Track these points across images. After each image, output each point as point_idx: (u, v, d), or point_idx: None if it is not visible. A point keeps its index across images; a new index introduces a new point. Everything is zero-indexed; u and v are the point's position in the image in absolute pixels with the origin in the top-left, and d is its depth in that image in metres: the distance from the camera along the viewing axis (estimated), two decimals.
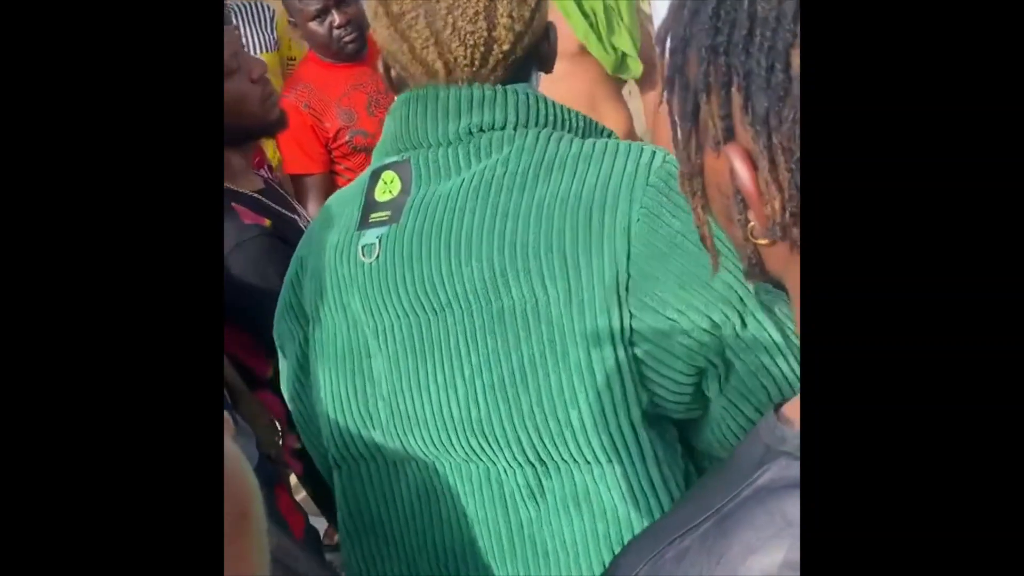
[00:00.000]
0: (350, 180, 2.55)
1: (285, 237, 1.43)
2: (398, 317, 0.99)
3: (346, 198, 1.10)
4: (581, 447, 0.92)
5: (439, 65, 0.97)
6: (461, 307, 0.94)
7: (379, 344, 1.01)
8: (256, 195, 1.53)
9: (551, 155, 0.94)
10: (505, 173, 0.94)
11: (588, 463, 0.93)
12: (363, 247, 1.01)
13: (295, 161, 2.59)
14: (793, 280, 0.56)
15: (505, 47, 0.97)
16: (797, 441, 0.53)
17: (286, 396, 1.18)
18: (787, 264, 0.56)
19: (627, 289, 0.87)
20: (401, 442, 1.02)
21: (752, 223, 0.54)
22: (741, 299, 0.87)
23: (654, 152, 0.93)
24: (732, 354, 0.88)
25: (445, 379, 0.96)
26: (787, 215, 0.52)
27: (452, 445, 0.98)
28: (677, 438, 0.97)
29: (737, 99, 0.52)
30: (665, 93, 0.58)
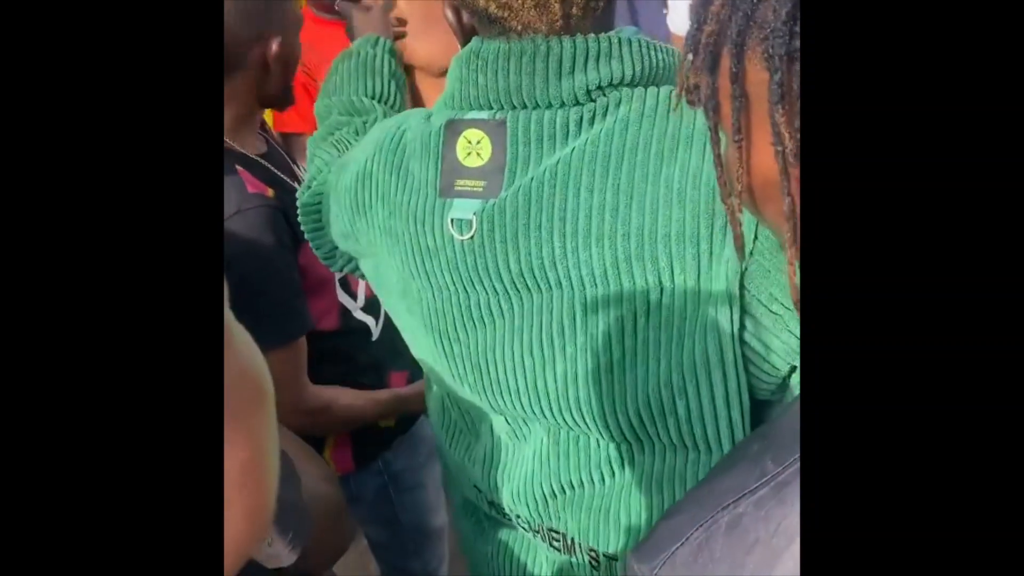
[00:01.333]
0: None
1: (287, 211, 1.41)
2: (495, 293, 0.93)
3: (408, 148, 0.99)
4: (683, 435, 0.88)
5: (557, 7, 0.87)
6: (572, 288, 0.88)
7: (470, 314, 0.96)
8: (262, 160, 1.50)
9: (675, 127, 0.84)
10: (626, 144, 0.85)
11: (686, 448, 0.90)
12: (454, 221, 0.93)
13: (288, 120, 2.56)
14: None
15: None
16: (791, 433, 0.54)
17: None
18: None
19: (742, 282, 0.82)
20: (490, 403, 1.00)
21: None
22: None
23: None
24: None
25: (544, 355, 0.92)
26: None
27: (543, 414, 0.95)
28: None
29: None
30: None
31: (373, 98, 1.21)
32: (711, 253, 0.82)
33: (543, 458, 0.99)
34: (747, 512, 0.54)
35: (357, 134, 1.16)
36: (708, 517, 0.55)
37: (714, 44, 0.55)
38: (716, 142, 0.59)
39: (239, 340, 0.47)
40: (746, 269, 0.81)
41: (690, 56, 0.58)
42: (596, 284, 0.86)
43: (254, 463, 0.47)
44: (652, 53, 0.89)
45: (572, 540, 1.01)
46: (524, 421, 1.00)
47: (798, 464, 0.53)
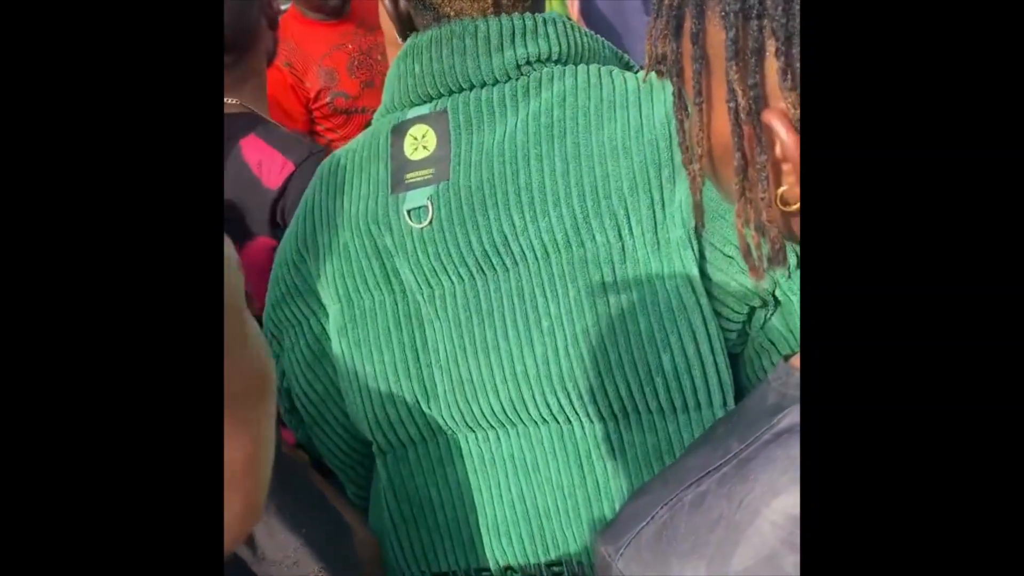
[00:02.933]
0: (332, 141, 2.51)
1: None
2: (460, 279, 0.93)
3: (356, 161, 1.00)
4: (671, 393, 0.87)
5: None
6: (537, 259, 0.89)
7: (436, 311, 0.94)
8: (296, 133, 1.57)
9: (610, 92, 0.89)
10: (566, 113, 0.88)
11: (675, 411, 0.89)
12: (409, 211, 0.93)
13: (273, 117, 2.54)
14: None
15: None
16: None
17: (288, 392, 1.09)
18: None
19: (696, 225, 0.84)
20: (463, 413, 0.95)
21: (784, 189, 0.54)
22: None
23: None
24: (781, 292, 0.86)
25: (519, 336, 0.90)
26: None
27: (525, 407, 0.92)
28: None
29: (772, 64, 0.51)
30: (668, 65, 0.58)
31: None
32: (663, 201, 0.85)
33: (527, 470, 0.96)
34: (710, 490, 0.54)
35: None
36: (672, 496, 0.55)
37: (677, 7, 0.56)
38: (681, 108, 0.60)
39: (253, 338, 0.47)
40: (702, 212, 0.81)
41: (655, 22, 0.58)
42: (559, 250, 0.88)
43: (257, 455, 0.48)
44: (576, 33, 0.93)
45: (579, 564, 0.96)
46: (498, 436, 0.96)
47: (761, 440, 0.54)
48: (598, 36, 0.97)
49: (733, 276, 0.85)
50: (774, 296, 0.86)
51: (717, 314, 0.86)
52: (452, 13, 0.94)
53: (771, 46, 0.51)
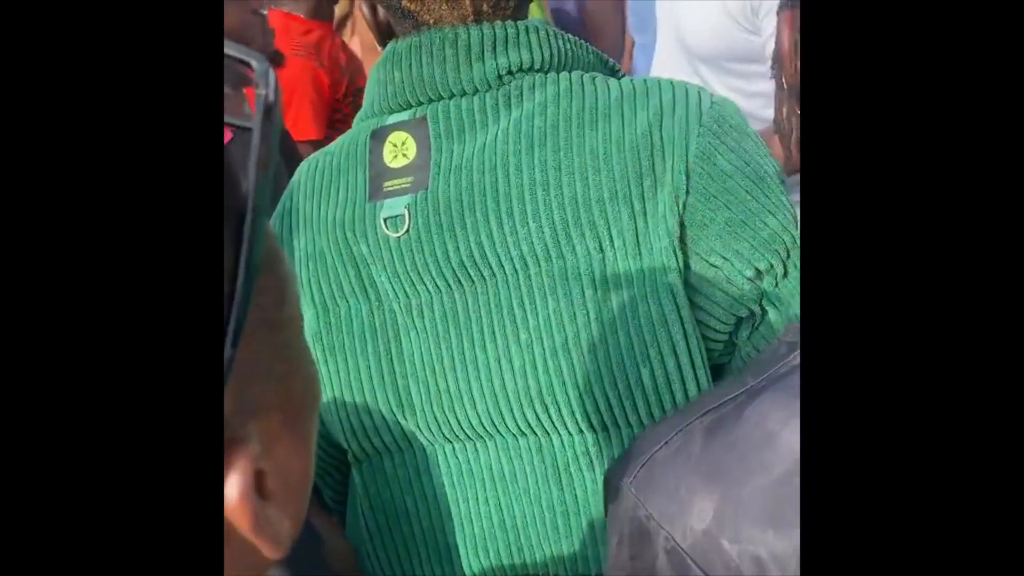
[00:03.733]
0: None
1: None
2: (438, 290, 0.91)
3: (334, 165, 0.98)
4: (651, 407, 0.87)
5: (468, 2, 0.90)
6: (516, 270, 0.88)
7: (412, 321, 0.93)
8: None
9: (592, 100, 0.88)
10: (547, 122, 0.87)
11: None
12: (386, 220, 0.92)
13: (304, 126, 2.53)
14: None
15: None
16: None
17: None
18: None
19: (681, 238, 0.84)
20: (439, 424, 0.94)
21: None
22: (787, 247, 0.85)
23: (699, 91, 0.89)
24: (768, 302, 0.86)
25: (497, 349, 0.89)
26: None
27: (503, 419, 0.91)
28: None
29: None
30: None
31: None
32: (645, 212, 0.84)
33: (505, 482, 0.94)
34: (726, 416, 0.54)
35: None
36: (687, 423, 0.56)
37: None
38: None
39: (303, 348, 0.46)
40: (682, 223, 0.83)
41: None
42: (539, 261, 0.87)
43: (312, 468, 0.47)
44: (558, 41, 0.91)
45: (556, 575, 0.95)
46: (476, 448, 0.95)
47: (778, 373, 0.54)
48: (583, 42, 0.95)
49: (719, 286, 0.85)
50: (761, 305, 0.86)
51: (703, 324, 0.86)
52: (432, 21, 0.92)
53: None
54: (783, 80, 0.57)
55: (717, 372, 0.89)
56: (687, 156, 0.85)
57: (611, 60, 0.99)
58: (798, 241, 0.84)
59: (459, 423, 0.93)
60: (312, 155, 1.06)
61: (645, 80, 0.91)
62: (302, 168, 1.04)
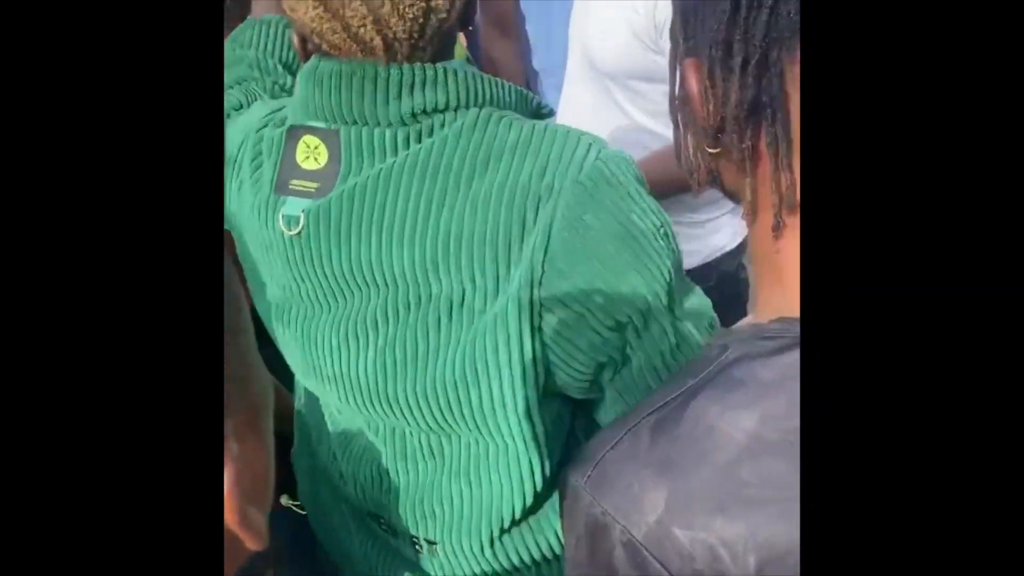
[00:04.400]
0: None
1: None
2: (321, 287, 1.01)
3: (266, 142, 1.06)
4: (478, 424, 0.98)
5: (378, 42, 0.93)
6: (388, 287, 0.96)
7: (300, 304, 1.04)
8: None
9: (489, 142, 0.94)
10: (443, 159, 0.94)
11: (487, 440, 1.00)
12: (284, 217, 1.00)
13: None
14: (743, 192, 0.62)
15: (442, 15, 0.93)
16: (749, 328, 0.60)
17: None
18: (737, 181, 0.62)
19: (541, 283, 0.91)
20: (335, 393, 1.07)
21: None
22: (648, 302, 0.92)
23: (590, 145, 0.94)
24: (631, 350, 0.94)
25: (358, 345, 1.00)
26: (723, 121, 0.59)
27: (361, 404, 1.03)
28: (570, 411, 1.05)
29: None
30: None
31: (282, 65, 1.27)
32: (509, 259, 0.91)
33: (366, 445, 1.09)
34: (670, 415, 0.58)
35: (265, 91, 1.23)
36: (635, 423, 0.60)
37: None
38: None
39: (257, 354, 0.49)
40: (543, 271, 0.90)
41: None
42: (408, 283, 0.95)
43: (271, 467, 0.50)
44: (476, 83, 0.97)
45: (395, 527, 1.11)
46: (349, 410, 1.08)
47: (712, 372, 0.59)
48: (504, 82, 1.00)
49: (582, 332, 0.92)
50: (623, 353, 0.94)
51: (565, 364, 0.94)
52: (332, 50, 0.97)
53: None
54: (689, 120, 0.62)
55: (586, 406, 1.02)
56: (556, 210, 0.91)
57: (536, 99, 1.05)
58: (666, 297, 0.92)
59: (332, 393, 1.07)
60: (265, 105, 1.14)
61: (545, 127, 0.96)
62: (257, 112, 1.12)
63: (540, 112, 1.04)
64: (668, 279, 0.92)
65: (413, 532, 1.10)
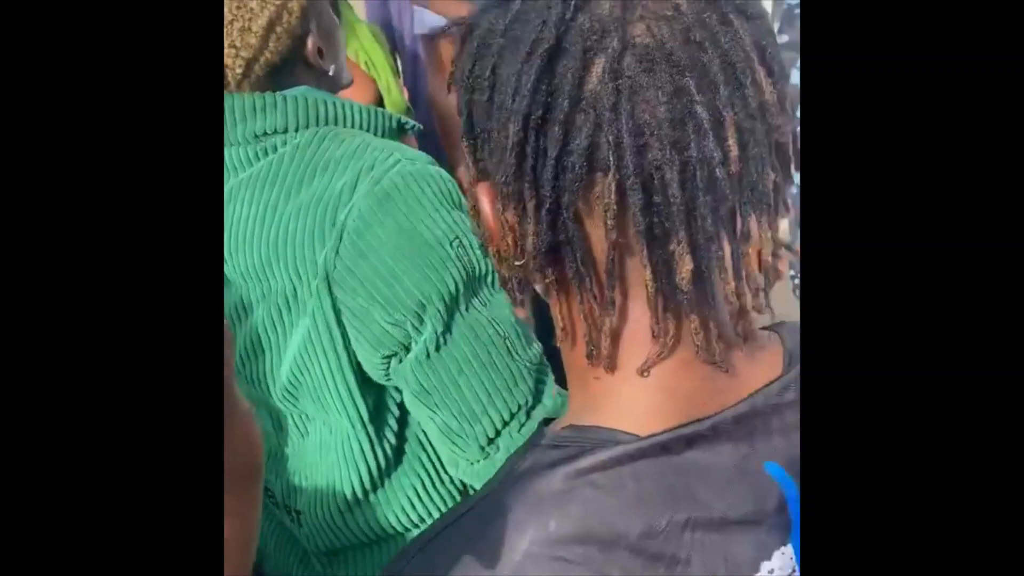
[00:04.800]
0: None
1: None
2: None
3: None
4: (315, 403, 1.12)
5: (227, 71, 1.10)
6: (246, 281, 1.11)
7: None
8: None
9: (319, 157, 1.08)
10: (280, 172, 1.09)
11: (327, 415, 1.13)
12: None
13: None
14: (555, 311, 0.60)
15: (268, 55, 1.08)
16: (553, 434, 0.58)
17: None
18: (547, 292, 0.59)
19: (335, 278, 1.04)
20: None
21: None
22: (423, 304, 1.02)
23: (399, 160, 1.06)
24: (414, 344, 1.04)
25: (234, 335, 1.14)
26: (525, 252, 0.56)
27: (242, 383, 1.17)
28: (396, 404, 1.15)
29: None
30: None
31: None
32: (314, 258, 1.05)
33: (262, 421, 1.22)
34: (452, 537, 0.58)
35: None
36: (418, 548, 0.59)
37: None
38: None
39: (242, 411, 0.48)
40: (333, 268, 1.04)
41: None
42: (252, 281, 1.11)
43: (254, 537, 0.49)
44: (318, 107, 1.11)
45: (275, 498, 1.25)
46: None
47: (501, 485, 0.58)
48: (358, 104, 1.15)
49: (368, 325, 1.04)
50: (406, 347, 1.05)
51: (361, 350, 1.07)
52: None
53: None
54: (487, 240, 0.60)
55: (388, 392, 1.14)
56: (349, 215, 1.04)
57: (396, 117, 1.20)
58: (439, 302, 1.02)
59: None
60: None
61: (370, 143, 1.10)
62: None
63: (402, 128, 1.20)
64: (449, 286, 1.02)
65: (286, 502, 1.23)
